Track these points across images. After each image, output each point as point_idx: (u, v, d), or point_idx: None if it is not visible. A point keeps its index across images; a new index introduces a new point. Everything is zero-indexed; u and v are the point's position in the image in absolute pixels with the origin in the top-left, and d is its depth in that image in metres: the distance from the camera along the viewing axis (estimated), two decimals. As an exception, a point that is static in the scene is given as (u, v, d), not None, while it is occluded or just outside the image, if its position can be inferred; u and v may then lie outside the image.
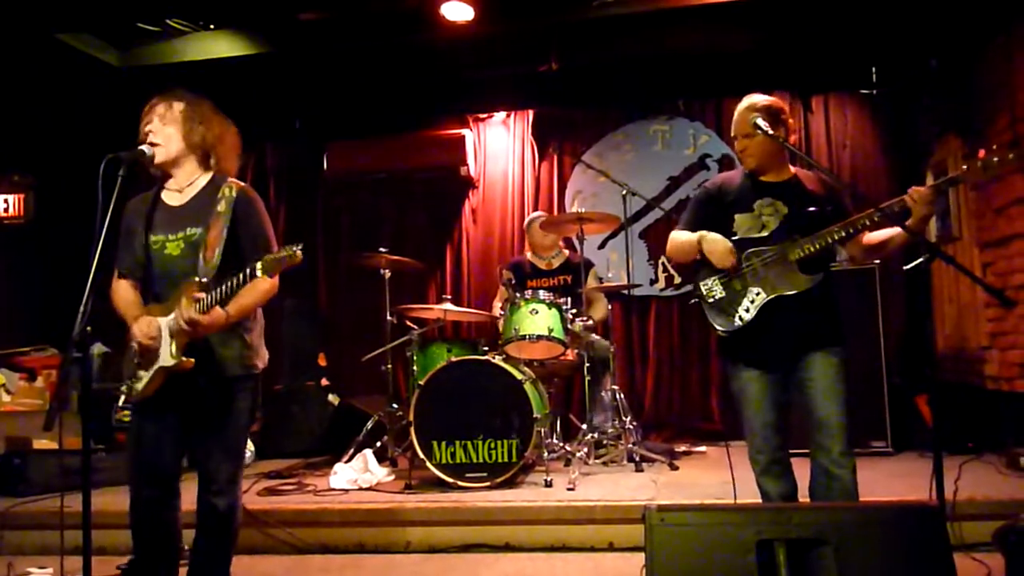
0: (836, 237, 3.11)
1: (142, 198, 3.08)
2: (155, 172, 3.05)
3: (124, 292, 3.05)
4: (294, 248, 2.71)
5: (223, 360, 2.97)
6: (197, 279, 2.86)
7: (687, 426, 6.66)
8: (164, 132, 3.00)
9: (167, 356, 2.88)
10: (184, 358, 2.86)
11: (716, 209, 3.33)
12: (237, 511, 3.06)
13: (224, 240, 2.92)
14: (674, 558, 2.28)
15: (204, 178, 3.07)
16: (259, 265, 2.73)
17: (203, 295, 2.81)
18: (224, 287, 2.82)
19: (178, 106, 3.02)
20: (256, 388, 3.11)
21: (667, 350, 6.89)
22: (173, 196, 3.06)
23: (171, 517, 3.03)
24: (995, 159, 2.87)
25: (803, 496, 3.23)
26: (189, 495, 3.04)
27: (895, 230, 3.11)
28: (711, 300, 3.30)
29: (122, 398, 2.98)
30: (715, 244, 3.24)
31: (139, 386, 2.93)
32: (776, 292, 3.18)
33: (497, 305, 5.92)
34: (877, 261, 5.26)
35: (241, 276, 2.78)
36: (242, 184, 3.06)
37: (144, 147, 2.95)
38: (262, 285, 2.90)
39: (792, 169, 3.39)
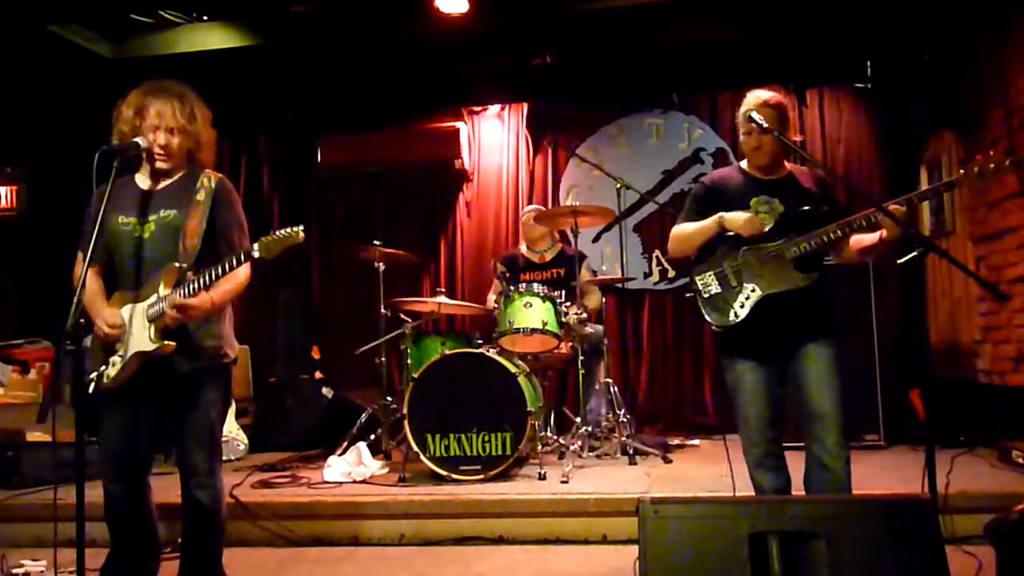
0: (832, 236, 3.09)
1: (110, 183, 2.98)
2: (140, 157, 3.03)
3: (91, 283, 2.99)
4: (296, 228, 2.77)
5: (194, 349, 2.96)
6: (177, 264, 2.87)
7: (680, 419, 6.69)
8: (172, 143, 2.98)
9: (145, 340, 2.87)
10: (165, 341, 2.86)
11: (713, 205, 3.31)
12: (222, 502, 3.06)
13: (204, 228, 2.94)
14: (667, 550, 2.29)
15: (182, 167, 3.07)
16: (256, 246, 2.76)
17: (192, 278, 2.81)
18: (209, 273, 2.82)
19: (180, 110, 2.98)
20: (227, 378, 3.11)
21: (661, 344, 6.90)
22: (146, 181, 3.05)
23: (146, 508, 3.03)
24: (991, 166, 2.87)
25: (797, 489, 3.24)
26: (174, 490, 3.04)
27: (876, 236, 3.11)
28: (707, 295, 3.29)
29: (91, 387, 2.93)
30: (738, 216, 3.21)
31: (112, 372, 2.90)
32: (771, 289, 3.18)
33: (491, 298, 5.92)
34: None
35: (230, 260, 2.80)
36: (220, 175, 3.09)
37: (139, 139, 2.94)
38: (242, 273, 2.94)
39: (787, 166, 3.38)
